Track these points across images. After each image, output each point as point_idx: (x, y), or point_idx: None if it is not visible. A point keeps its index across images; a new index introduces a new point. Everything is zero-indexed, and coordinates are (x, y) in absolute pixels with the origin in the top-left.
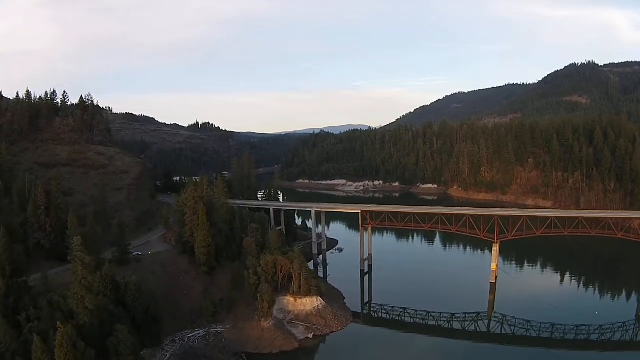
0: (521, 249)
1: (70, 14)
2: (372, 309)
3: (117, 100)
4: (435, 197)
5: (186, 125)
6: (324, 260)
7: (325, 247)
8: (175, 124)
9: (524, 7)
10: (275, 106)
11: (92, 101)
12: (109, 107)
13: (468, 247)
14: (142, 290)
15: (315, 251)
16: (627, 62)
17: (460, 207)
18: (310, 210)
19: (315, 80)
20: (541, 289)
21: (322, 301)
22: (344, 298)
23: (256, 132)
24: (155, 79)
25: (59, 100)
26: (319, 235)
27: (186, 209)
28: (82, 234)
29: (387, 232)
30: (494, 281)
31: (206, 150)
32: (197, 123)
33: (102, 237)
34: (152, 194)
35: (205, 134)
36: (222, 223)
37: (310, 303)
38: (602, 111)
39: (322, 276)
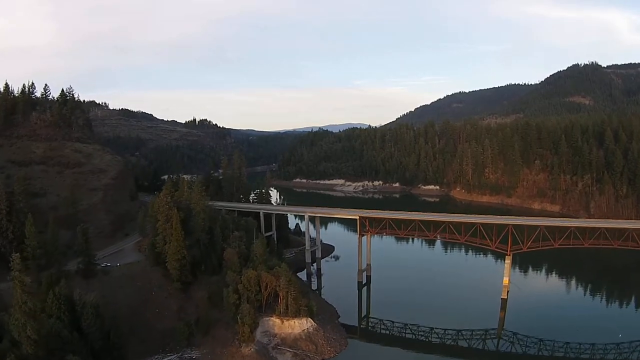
0: (529, 258)
1: (69, 10)
2: (370, 324)
3: (116, 97)
4: (437, 199)
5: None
6: (318, 269)
7: (320, 255)
8: (174, 120)
9: (525, 7)
10: (275, 104)
11: (73, 95)
12: (105, 103)
13: (477, 256)
14: (101, 312)
15: (308, 260)
16: (630, 63)
17: (466, 213)
18: (304, 215)
19: (316, 78)
20: (555, 303)
21: (313, 323)
22: (339, 316)
23: (255, 129)
24: (155, 76)
25: (37, 94)
26: (313, 242)
27: (158, 215)
28: (41, 242)
29: (387, 237)
30: (505, 297)
31: (202, 147)
32: (195, 120)
33: (69, 245)
34: (133, 194)
35: (202, 131)
36: (200, 232)
37: (299, 325)
38: (606, 112)
39: (315, 287)
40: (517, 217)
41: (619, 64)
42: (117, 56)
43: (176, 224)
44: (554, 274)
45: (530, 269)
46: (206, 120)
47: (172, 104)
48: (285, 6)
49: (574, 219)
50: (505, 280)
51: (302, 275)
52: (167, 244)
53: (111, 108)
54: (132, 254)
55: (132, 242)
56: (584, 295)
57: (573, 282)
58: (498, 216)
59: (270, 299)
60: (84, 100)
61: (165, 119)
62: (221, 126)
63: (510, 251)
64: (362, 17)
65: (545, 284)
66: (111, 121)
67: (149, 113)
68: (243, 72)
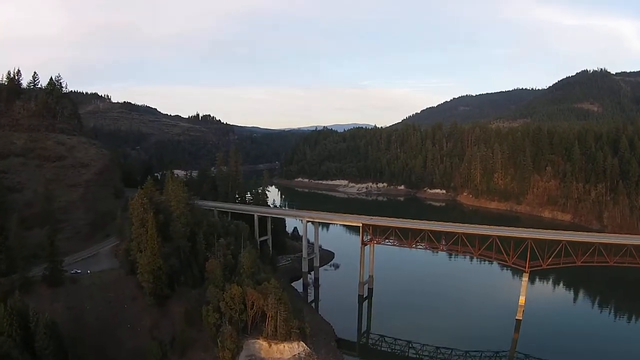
0: (545, 271)
1: (79, 2)
2: (370, 340)
3: (122, 90)
4: (443, 204)
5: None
6: (316, 279)
7: (318, 264)
8: (177, 115)
9: (534, 12)
10: (281, 102)
11: (61, 84)
12: (107, 95)
13: (491, 267)
14: (59, 331)
15: (305, 269)
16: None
17: (473, 218)
18: (301, 221)
19: (323, 77)
20: (573, 324)
21: (306, 347)
22: (336, 337)
23: (260, 127)
24: (162, 70)
25: (23, 82)
26: (311, 249)
27: (133, 218)
28: (3, 245)
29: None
30: (520, 317)
31: (205, 143)
32: (198, 115)
33: (42, 247)
34: (119, 191)
35: (205, 127)
36: (181, 238)
37: (289, 350)
38: (614, 119)
39: (312, 299)
40: (537, 230)
41: (627, 71)
42: (125, 49)
43: (151, 229)
44: (571, 290)
45: (546, 283)
46: (209, 115)
47: (177, 98)
48: (295, 4)
49: (599, 234)
50: (522, 299)
51: (298, 284)
52: (141, 252)
53: (114, 101)
54: (107, 260)
55: (109, 245)
56: (604, 314)
57: (592, 299)
58: (516, 228)
59: (257, 319)
60: (86, 92)
61: (170, 114)
62: (225, 122)
63: (528, 268)
64: (371, 17)
65: (562, 301)
66: (113, 114)
67: (153, 107)
68: (250, 69)
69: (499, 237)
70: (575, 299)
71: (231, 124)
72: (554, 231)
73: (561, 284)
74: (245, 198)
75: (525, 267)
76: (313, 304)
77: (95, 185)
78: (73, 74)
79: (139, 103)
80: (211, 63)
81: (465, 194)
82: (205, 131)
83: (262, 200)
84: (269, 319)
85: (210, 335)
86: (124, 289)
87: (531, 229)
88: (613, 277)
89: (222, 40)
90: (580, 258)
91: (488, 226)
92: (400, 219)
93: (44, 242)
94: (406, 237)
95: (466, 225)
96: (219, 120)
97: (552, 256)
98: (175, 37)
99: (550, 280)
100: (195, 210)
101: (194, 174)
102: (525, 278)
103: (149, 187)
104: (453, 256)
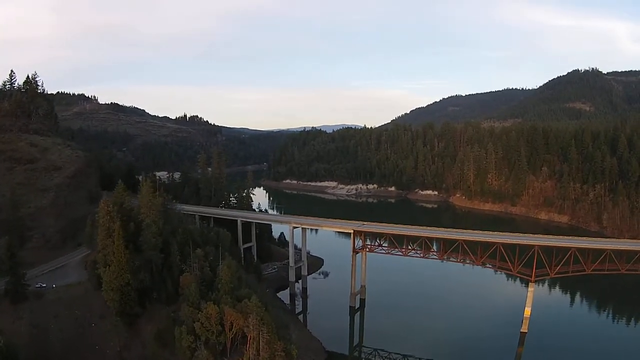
0: (551, 281)
1: (69, 2)
2: (362, 354)
3: (112, 91)
4: (435, 205)
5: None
6: (304, 289)
7: (306, 272)
8: (165, 116)
9: (527, 14)
10: (270, 103)
11: (37, 83)
12: (94, 96)
13: (492, 273)
14: (16, 355)
15: (292, 278)
16: (631, 71)
17: (466, 220)
18: (288, 226)
19: (314, 78)
20: (582, 336)
21: None
22: (325, 356)
23: (249, 128)
24: (151, 71)
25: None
26: (298, 257)
27: (99, 227)
28: None
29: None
30: (525, 330)
31: (192, 144)
32: (185, 116)
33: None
34: (95, 195)
35: (192, 128)
36: (152, 250)
37: None
38: (606, 119)
39: (300, 310)
40: (545, 236)
41: (619, 70)
42: (118, 50)
43: (118, 240)
44: (582, 300)
45: (554, 292)
46: (197, 116)
47: (166, 100)
48: (285, 4)
49: (610, 240)
50: (527, 311)
51: (285, 295)
52: (108, 266)
53: (101, 102)
54: (75, 272)
55: (80, 255)
56: (619, 327)
57: (606, 310)
58: (522, 234)
59: (237, 341)
60: (73, 94)
61: (159, 115)
62: (212, 123)
63: (534, 277)
64: (365, 19)
65: (571, 312)
66: (99, 115)
67: (141, 108)
68: (240, 69)
69: (502, 244)
70: (587, 309)
71: (219, 125)
72: (562, 237)
73: (570, 293)
74: (230, 201)
75: (531, 276)
76: (301, 317)
77: (67, 190)
78: (63, 75)
79: (128, 104)
80: (202, 64)
81: (457, 195)
82: (193, 132)
83: (246, 204)
84: (250, 340)
85: (185, 359)
86: (92, 305)
87: (538, 235)
88: (625, 285)
89: (213, 41)
90: (590, 266)
91: (491, 232)
92: (394, 225)
93: (3, 253)
94: (401, 244)
95: (467, 231)
96: (207, 121)
97: (560, 264)
98: (168, 37)
99: (558, 289)
100: (171, 217)
101: (177, 175)
102: (531, 288)
103: (119, 192)
104: (451, 263)
